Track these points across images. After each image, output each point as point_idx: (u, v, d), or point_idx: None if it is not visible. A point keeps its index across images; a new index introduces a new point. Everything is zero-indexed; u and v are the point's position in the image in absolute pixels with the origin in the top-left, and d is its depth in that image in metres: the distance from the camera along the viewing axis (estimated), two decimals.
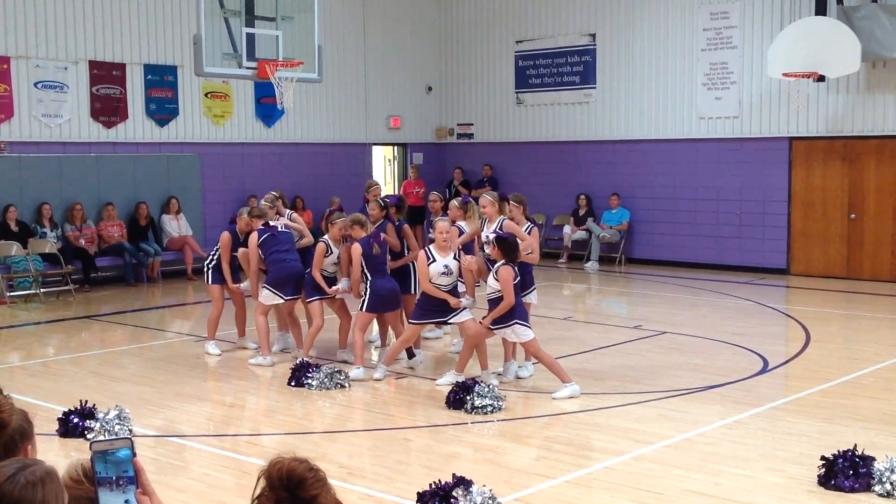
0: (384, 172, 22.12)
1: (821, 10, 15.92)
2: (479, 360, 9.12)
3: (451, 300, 9.12)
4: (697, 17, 17.74)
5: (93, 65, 16.23)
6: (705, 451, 7.15)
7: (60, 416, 7.62)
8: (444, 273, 9.14)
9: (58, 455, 7.01)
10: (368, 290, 9.50)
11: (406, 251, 10.41)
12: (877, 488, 6.12)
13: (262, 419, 8.60)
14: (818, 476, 6.33)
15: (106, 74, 16.40)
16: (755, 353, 10.59)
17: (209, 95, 17.70)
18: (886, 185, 16.13)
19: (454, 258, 9.26)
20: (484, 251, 9.67)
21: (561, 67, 19.66)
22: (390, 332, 10.39)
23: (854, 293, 15.34)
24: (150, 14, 16.83)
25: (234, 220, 10.79)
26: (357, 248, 9.54)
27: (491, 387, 8.39)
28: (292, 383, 9.20)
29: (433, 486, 5.77)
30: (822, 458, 6.37)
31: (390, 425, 8.18)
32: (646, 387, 9.14)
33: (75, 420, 7.52)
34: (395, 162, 21.86)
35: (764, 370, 9.85)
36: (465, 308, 9.24)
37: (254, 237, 10.18)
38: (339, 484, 2.72)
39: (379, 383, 9.38)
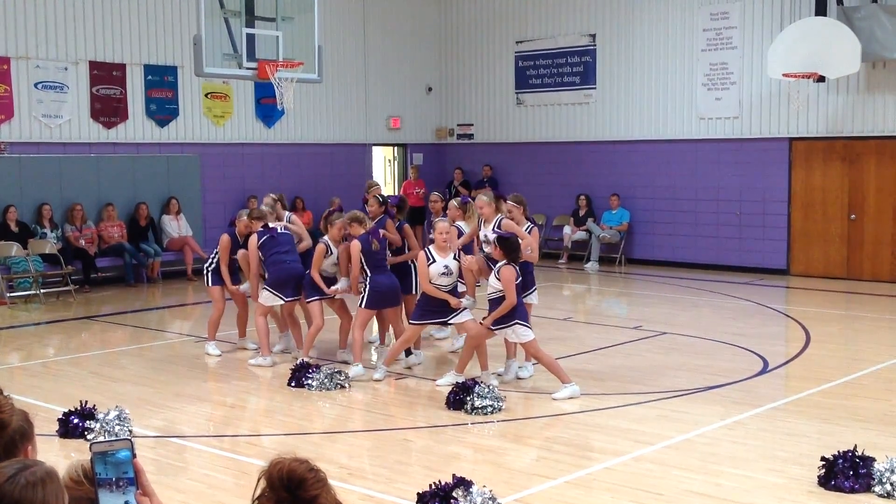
0: (384, 173, 22.12)
1: (821, 10, 15.92)
2: (479, 360, 9.11)
3: (452, 300, 9.12)
4: (697, 17, 17.75)
5: (93, 65, 16.23)
6: (705, 452, 7.15)
7: (60, 416, 7.62)
8: (444, 273, 9.14)
9: (58, 456, 7.00)
10: (368, 286, 9.50)
11: (407, 250, 10.41)
12: (877, 489, 6.11)
13: (262, 420, 8.60)
14: (818, 477, 6.33)
15: (106, 75, 16.40)
16: (755, 353, 10.59)
17: (209, 96, 17.71)
18: (886, 186, 16.13)
19: (454, 258, 9.26)
20: (483, 251, 9.67)
21: (561, 68, 19.66)
22: (390, 331, 10.39)
23: (854, 294, 15.34)
24: (151, 14, 16.83)
25: (233, 223, 10.80)
26: (356, 245, 9.54)
27: (491, 387, 8.39)
28: (292, 384, 9.20)
29: (433, 486, 5.77)
30: (822, 458, 6.37)
31: (390, 426, 8.18)
32: (646, 387, 9.14)
33: (75, 421, 7.52)
34: (396, 162, 21.86)
35: (764, 371, 9.85)
36: (465, 308, 9.24)
37: (253, 239, 10.18)
38: (338, 484, 2.72)
39: (379, 384, 9.38)
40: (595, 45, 19.16)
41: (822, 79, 15.60)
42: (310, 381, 9.06)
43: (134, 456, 2.43)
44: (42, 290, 14.86)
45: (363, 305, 9.54)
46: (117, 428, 7.39)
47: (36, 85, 15.61)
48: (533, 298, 9.62)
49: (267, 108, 18.12)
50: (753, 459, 6.94)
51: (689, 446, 7.30)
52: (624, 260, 18.76)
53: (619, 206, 18.76)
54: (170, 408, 8.65)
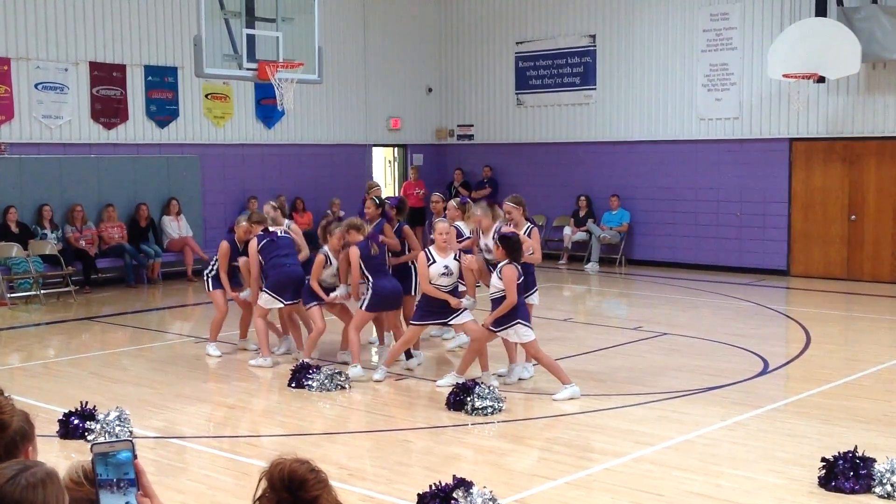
0: (384, 173, 22.12)
1: (821, 11, 15.92)
2: (479, 361, 9.11)
3: (452, 301, 9.12)
4: (697, 18, 17.75)
5: (93, 66, 16.23)
6: (705, 453, 7.15)
7: (61, 417, 7.62)
8: (444, 274, 9.14)
9: (58, 457, 7.00)
10: (370, 289, 9.49)
11: (407, 251, 10.42)
12: (877, 490, 6.11)
13: (263, 420, 8.60)
14: (818, 477, 6.33)
15: (106, 76, 16.40)
16: (755, 354, 10.59)
17: (209, 97, 17.71)
18: (886, 187, 16.13)
19: (454, 259, 9.26)
20: (485, 258, 9.68)
21: (561, 69, 19.67)
22: (390, 331, 10.39)
23: (854, 294, 15.34)
24: (151, 15, 16.83)
25: (232, 230, 10.80)
26: (355, 252, 9.53)
27: (491, 388, 8.39)
28: (292, 385, 9.20)
29: (433, 487, 5.77)
30: (823, 459, 6.37)
31: (390, 426, 8.18)
32: (646, 388, 9.14)
33: (76, 421, 7.52)
34: (396, 163, 21.86)
35: (764, 371, 9.85)
36: (465, 309, 9.24)
37: (253, 243, 10.20)
38: (339, 485, 2.72)
39: (379, 384, 9.38)
40: (595, 46, 19.17)
41: (822, 79, 15.60)
42: (310, 382, 9.06)
43: (135, 457, 2.44)
44: (42, 291, 14.85)
45: (364, 308, 9.54)
46: (118, 429, 7.39)
47: (36, 86, 15.61)
48: (534, 299, 9.61)
49: (267, 108, 18.12)
50: (754, 460, 6.94)
51: (690, 447, 7.30)
52: (624, 261, 18.76)
53: (619, 206, 18.76)
54: (170, 408, 8.65)
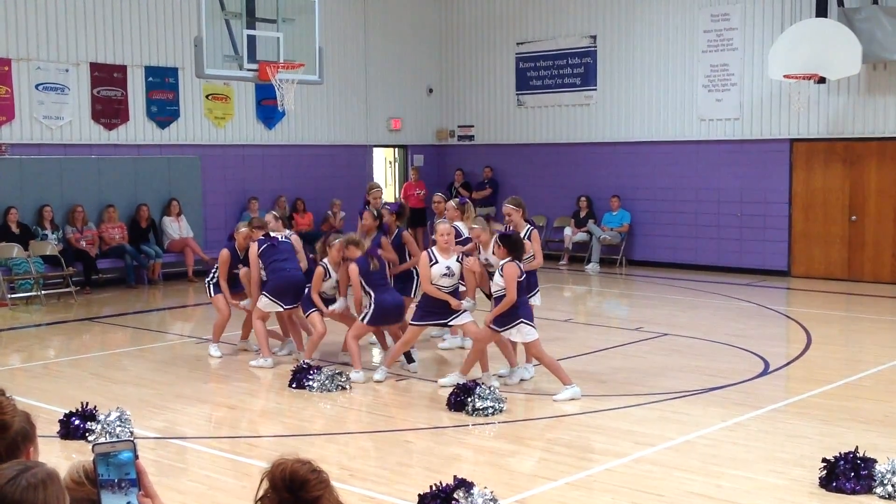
0: (385, 174, 22.12)
1: (821, 11, 15.92)
2: (479, 362, 9.11)
3: (453, 302, 9.12)
4: (698, 18, 17.75)
5: (94, 67, 16.24)
6: (706, 453, 7.15)
7: (61, 417, 7.62)
8: (445, 274, 9.14)
9: (58, 457, 7.00)
10: (372, 304, 9.48)
11: (408, 257, 10.42)
12: (878, 490, 6.11)
13: (263, 421, 8.60)
14: (819, 478, 6.32)
15: (107, 76, 16.41)
16: (756, 354, 10.59)
17: (210, 97, 17.71)
18: (887, 187, 16.13)
19: (457, 260, 9.26)
20: (487, 270, 9.68)
21: (562, 69, 19.67)
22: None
23: (855, 295, 15.34)
24: (151, 16, 16.84)
25: (232, 237, 10.81)
26: (354, 269, 9.53)
27: (492, 389, 8.39)
28: (293, 385, 9.20)
29: (434, 487, 5.77)
30: (824, 459, 6.37)
31: (391, 427, 8.18)
32: (647, 389, 9.14)
33: (76, 422, 7.52)
34: (396, 164, 21.86)
35: (765, 372, 9.85)
36: (465, 310, 9.24)
37: (254, 248, 10.21)
38: (339, 486, 2.72)
39: (380, 385, 9.38)
40: (595, 47, 19.17)
41: (822, 80, 15.60)
42: (311, 383, 9.06)
43: (136, 457, 2.44)
44: (43, 292, 14.85)
45: (365, 321, 9.54)
46: (118, 429, 7.39)
47: (37, 86, 15.62)
48: (536, 300, 9.60)
49: (268, 109, 18.13)
50: (754, 461, 6.94)
51: (690, 448, 7.30)
52: (625, 261, 18.76)
53: (619, 207, 18.76)
54: (171, 409, 8.65)
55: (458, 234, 10.08)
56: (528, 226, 9.68)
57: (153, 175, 16.97)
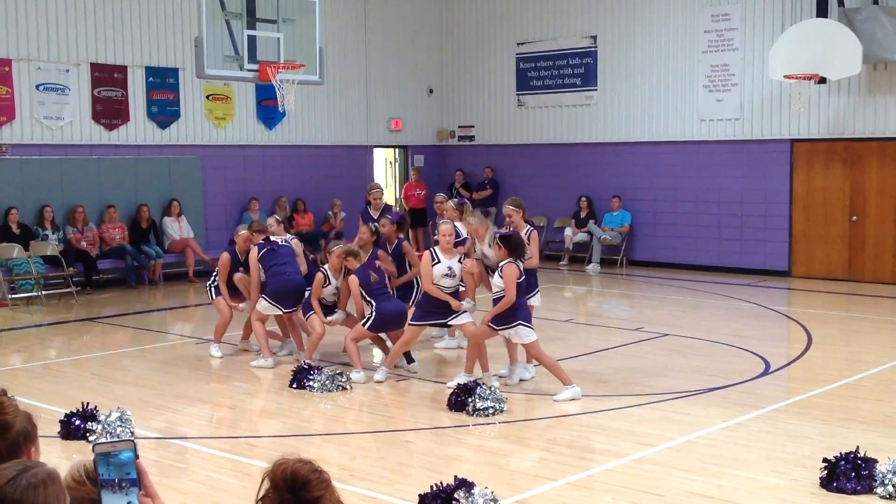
0: (385, 174, 22.13)
1: (822, 12, 15.92)
2: (479, 362, 9.11)
3: (453, 302, 9.13)
4: (698, 18, 17.75)
5: (94, 67, 16.24)
6: (707, 454, 7.15)
7: (62, 418, 7.62)
8: (447, 275, 9.15)
9: (59, 457, 7.00)
10: (374, 312, 9.49)
11: (408, 267, 10.43)
12: (879, 490, 6.11)
13: (264, 421, 8.59)
14: (820, 478, 6.32)
15: (107, 77, 16.41)
16: (757, 355, 10.58)
17: (210, 98, 17.72)
18: (888, 188, 16.13)
19: (458, 261, 9.26)
20: (483, 262, 9.69)
21: (562, 69, 19.67)
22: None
23: (856, 295, 15.33)
24: (152, 16, 16.84)
25: (232, 241, 10.83)
26: (354, 280, 9.56)
27: (492, 389, 8.39)
28: (294, 385, 9.20)
29: (435, 488, 5.77)
30: (824, 460, 6.36)
31: (392, 427, 8.18)
32: (647, 389, 9.14)
33: (77, 422, 7.52)
34: (397, 164, 21.86)
35: (765, 372, 9.85)
36: (465, 311, 9.24)
37: (254, 252, 10.23)
38: (340, 486, 2.72)
39: (380, 385, 9.38)
40: (596, 47, 19.17)
41: (823, 80, 15.61)
42: (311, 383, 9.06)
43: (137, 457, 2.44)
44: (43, 292, 14.85)
45: (366, 327, 9.55)
46: (119, 429, 7.39)
47: (37, 87, 15.62)
48: (535, 301, 9.60)
49: (268, 109, 18.13)
50: (755, 461, 6.94)
51: (691, 448, 7.30)
52: (625, 262, 18.76)
53: (620, 207, 18.76)
54: (171, 409, 8.65)
55: (457, 234, 10.08)
56: (529, 227, 9.67)
57: (154, 175, 16.97)
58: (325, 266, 10.07)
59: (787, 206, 17.06)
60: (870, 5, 15.61)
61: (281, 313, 10.30)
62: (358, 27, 20.01)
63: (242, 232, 10.67)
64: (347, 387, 9.13)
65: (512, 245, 8.68)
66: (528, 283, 9.08)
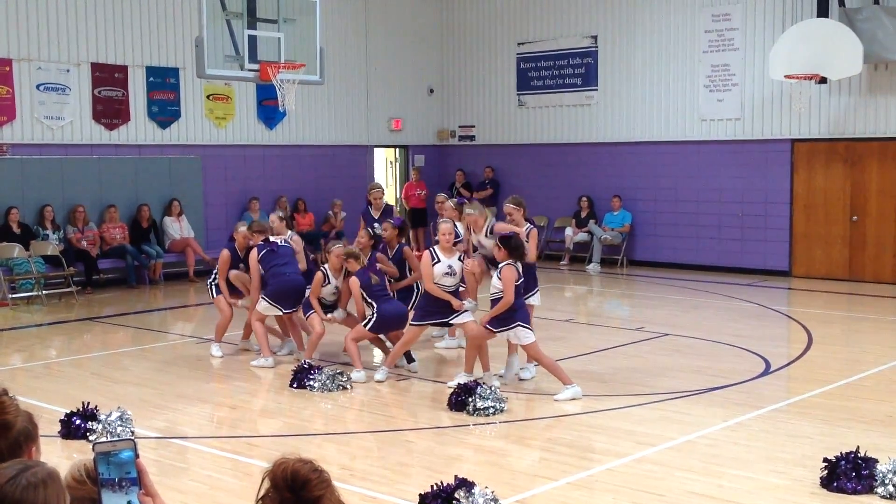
0: (386, 174, 22.12)
1: (822, 11, 15.92)
2: (480, 361, 9.11)
3: (454, 302, 9.13)
4: (699, 18, 17.75)
5: (95, 67, 16.24)
6: (707, 453, 7.15)
7: (62, 417, 7.62)
8: (447, 274, 9.16)
9: (60, 457, 7.01)
10: (375, 314, 9.50)
11: (408, 271, 10.44)
12: (879, 490, 6.11)
13: (264, 421, 8.59)
14: (820, 478, 6.32)
15: (108, 76, 16.41)
16: (757, 355, 10.58)
17: (211, 97, 17.72)
18: (888, 188, 16.12)
19: (459, 259, 9.27)
20: (480, 252, 9.69)
21: (562, 69, 19.66)
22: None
23: (856, 295, 15.33)
24: (152, 16, 16.84)
25: (232, 238, 10.83)
26: (355, 282, 9.56)
27: (493, 388, 8.39)
28: (294, 385, 9.20)
29: (435, 487, 5.77)
30: (825, 459, 6.36)
31: (392, 427, 8.18)
32: (648, 389, 9.13)
33: (77, 422, 7.53)
34: (397, 164, 21.86)
35: (766, 372, 9.84)
36: (466, 310, 9.25)
37: (254, 253, 10.24)
38: (341, 485, 2.71)
39: (381, 385, 9.38)
40: (596, 47, 19.16)
41: (823, 80, 15.60)
42: (312, 383, 9.07)
43: (137, 456, 2.43)
44: (44, 292, 14.86)
45: (367, 328, 9.55)
46: (119, 429, 7.39)
47: (38, 87, 15.62)
48: (535, 300, 9.61)
49: (269, 109, 18.13)
50: (755, 461, 6.94)
51: (691, 448, 7.30)
52: (626, 261, 18.76)
53: (620, 207, 18.76)
54: (172, 409, 8.65)
55: (456, 234, 10.09)
56: (529, 225, 9.68)
57: (154, 175, 16.97)
58: (325, 265, 10.08)
59: (788, 206, 17.05)
60: (871, 5, 15.60)
61: (281, 314, 10.31)
62: (358, 27, 20.01)
63: (242, 229, 10.68)
64: (348, 386, 9.14)
65: (512, 246, 8.69)
66: (527, 283, 9.08)
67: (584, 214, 19.10)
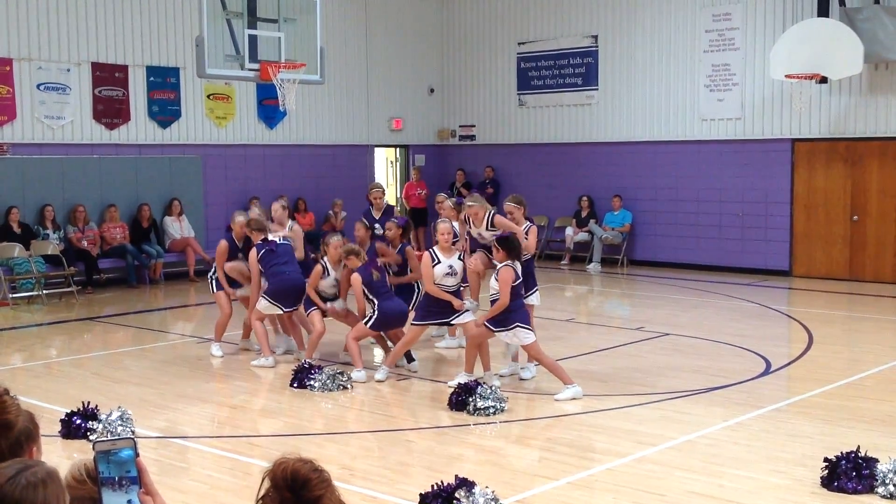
0: (386, 174, 22.13)
1: (823, 11, 15.91)
2: (481, 361, 9.11)
3: (455, 302, 9.13)
4: (700, 18, 17.74)
5: (95, 66, 16.24)
6: (708, 453, 7.14)
7: (63, 417, 7.62)
8: (448, 274, 9.16)
9: (60, 457, 7.01)
10: (376, 311, 9.50)
11: (409, 271, 10.44)
12: (880, 490, 6.11)
13: (265, 420, 8.59)
14: (821, 478, 6.32)
15: (108, 76, 16.41)
16: (758, 354, 10.58)
17: (211, 97, 17.72)
18: (889, 187, 16.12)
19: (458, 259, 9.27)
20: (480, 246, 9.69)
21: (563, 69, 19.66)
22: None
23: (857, 295, 15.33)
24: (153, 16, 16.84)
25: (229, 228, 10.83)
26: (357, 279, 9.54)
27: (493, 388, 8.39)
28: (294, 385, 9.20)
29: (436, 487, 5.76)
30: (825, 459, 6.36)
31: (392, 426, 8.18)
32: (648, 388, 9.13)
33: (78, 421, 7.53)
34: (398, 163, 21.86)
35: (766, 372, 9.84)
36: (467, 310, 9.25)
37: (253, 253, 10.23)
38: (341, 485, 2.71)
39: (381, 385, 9.38)
40: (597, 47, 19.16)
41: (824, 80, 15.60)
42: (312, 382, 9.07)
43: (137, 455, 2.43)
44: (44, 291, 14.86)
45: (368, 326, 9.54)
46: (120, 429, 7.39)
47: (38, 86, 15.63)
48: (535, 299, 9.60)
49: (269, 109, 18.13)
50: (756, 460, 6.94)
51: (692, 447, 7.30)
52: (626, 261, 18.75)
53: (621, 207, 18.76)
54: (172, 409, 8.65)
55: (455, 234, 10.08)
56: (528, 223, 9.68)
57: (154, 175, 16.97)
58: (325, 258, 10.06)
59: (788, 206, 17.05)
60: (871, 5, 15.60)
61: (281, 312, 10.30)
62: (359, 27, 20.01)
63: (239, 218, 10.66)
64: (348, 386, 9.14)
65: (509, 246, 8.69)
66: (526, 283, 9.08)
67: (584, 214, 19.10)
